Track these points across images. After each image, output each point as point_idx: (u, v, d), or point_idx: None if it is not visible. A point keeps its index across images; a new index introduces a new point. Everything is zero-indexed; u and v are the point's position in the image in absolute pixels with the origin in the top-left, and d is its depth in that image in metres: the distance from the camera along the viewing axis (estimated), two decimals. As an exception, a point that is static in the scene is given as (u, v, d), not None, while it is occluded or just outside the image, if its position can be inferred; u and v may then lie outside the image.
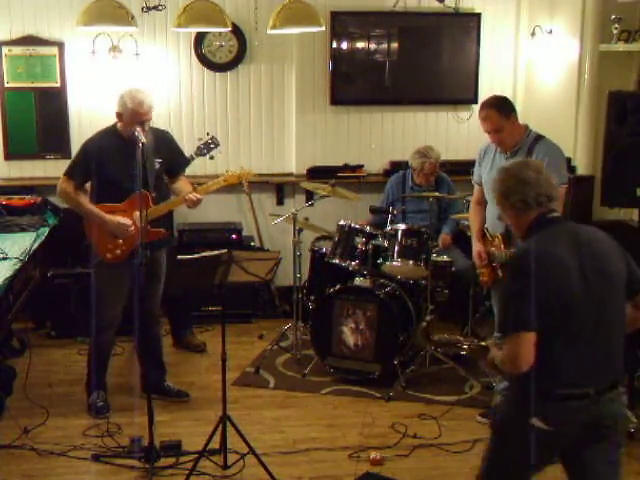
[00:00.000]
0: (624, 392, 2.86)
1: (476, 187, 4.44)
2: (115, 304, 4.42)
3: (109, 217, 4.30)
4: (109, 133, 4.37)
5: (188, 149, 5.05)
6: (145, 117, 4.22)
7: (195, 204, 4.42)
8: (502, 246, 4.08)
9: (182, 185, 4.57)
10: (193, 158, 5.02)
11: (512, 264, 2.72)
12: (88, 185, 4.43)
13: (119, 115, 4.28)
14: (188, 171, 4.82)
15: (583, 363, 2.63)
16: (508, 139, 4.11)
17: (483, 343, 2.91)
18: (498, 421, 2.89)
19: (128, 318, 4.40)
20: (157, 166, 4.38)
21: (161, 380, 4.69)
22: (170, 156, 4.48)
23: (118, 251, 4.36)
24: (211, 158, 5.28)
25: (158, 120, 5.43)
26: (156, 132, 4.48)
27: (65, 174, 4.36)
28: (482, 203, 4.36)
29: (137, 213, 4.28)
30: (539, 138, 4.09)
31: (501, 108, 4.09)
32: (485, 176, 4.28)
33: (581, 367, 2.63)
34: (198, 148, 5.18)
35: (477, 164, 4.38)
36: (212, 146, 5.20)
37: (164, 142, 4.48)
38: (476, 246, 4.31)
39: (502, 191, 2.80)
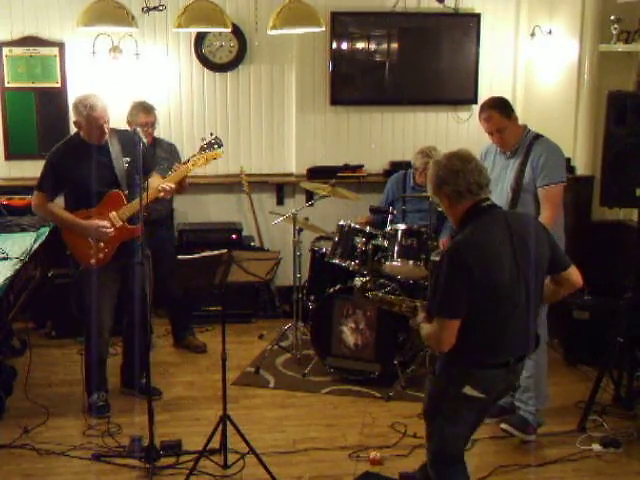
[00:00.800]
0: None
1: None
2: (105, 308, 4.44)
3: (86, 222, 4.30)
4: (72, 140, 4.40)
5: (189, 149, 5.08)
6: (101, 120, 4.25)
7: (169, 193, 4.44)
8: None
9: (154, 181, 4.57)
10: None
11: (448, 254, 2.85)
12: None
13: (77, 124, 4.31)
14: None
15: (509, 336, 2.91)
16: (510, 139, 4.12)
17: (417, 303, 3.12)
18: (432, 402, 3.07)
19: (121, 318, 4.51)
20: (126, 165, 4.40)
21: (141, 377, 4.64)
22: (137, 155, 4.46)
23: (101, 255, 4.36)
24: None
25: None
26: (123, 133, 4.51)
27: (36, 189, 4.38)
28: None
29: (113, 213, 4.32)
30: (537, 137, 4.11)
31: (502, 109, 4.12)
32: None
33: (507, 339, 2.91)
34: (201, 148, 5.18)
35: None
36: (215, 146, 5.21)
37: (130, 143, 4.44)
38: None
39: (435, 183, 2.95)
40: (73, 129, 6.00)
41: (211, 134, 5.26)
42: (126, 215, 4.35)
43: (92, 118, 4.23)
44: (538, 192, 4.04)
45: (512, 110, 4.17)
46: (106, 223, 4.30)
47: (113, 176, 4.33)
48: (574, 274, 3.07)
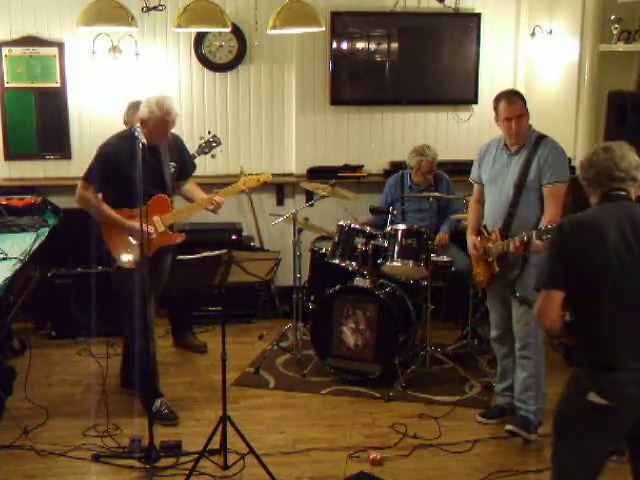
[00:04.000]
0: None
1: (475, 186, 4.44)
2: (145, 304, 4.27)
3: (130, 223, 4.19)
4: (127, 137, 4.24)
5: (189, 148, 5.04)
6: (172, 125, 4.24)
7: (218, 207, 4.46)
8: (499, 240, 4.09)
9: (192, 187, 4.59)
10: (195, 157, 5.03)
11: (554, 229, 2.98)
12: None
13: (144, 122, 4.20)
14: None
15: (631, 335, 2.75)
16: (524, 130, 4.13)
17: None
18: (558, 411, 2.94)
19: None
20: (172, 170, 4.39)
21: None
22: (182, 160, 4.50)
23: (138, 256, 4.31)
24: (212, 157, 5.30)
25: None
26: (169, 137, 4.48)
27: (83, 179, 4.29)
28: (480, 202, 4.37)
29: (157, 217, 4.29)
30: (542, 137, 4.13)
31: (523, 99, 4.17)
32: (486, 174, 4.28)
33: (629, 339, 2.74)
34: (200, 146, 5.19)
35: (476, 164, 4.38)
36: (214, 144, 5.22)
37: (176, 147, 4.50)
38: (470, 239, 4.32)
39: (580, 170, 3.10)
40: (73, 129, 6.10)
41: (209, 132, 5.28)
42: (170, 221, 4.34)
43: (164, 121, 4.19)
44: (543, 190, 4.04)
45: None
46: (150, 228, 4.20)
47: (161, 179, 4.29)
48: None
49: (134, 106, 5.17)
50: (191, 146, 5.12)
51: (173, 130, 4.39)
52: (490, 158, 4.26)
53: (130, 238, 4.28)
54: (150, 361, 4.36)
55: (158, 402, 4.44)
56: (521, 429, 4.21)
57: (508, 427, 4.25)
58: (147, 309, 4.28)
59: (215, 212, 4.54)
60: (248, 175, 4.65)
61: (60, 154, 6.11)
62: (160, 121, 4.19)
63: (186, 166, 4.57)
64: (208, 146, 5.19)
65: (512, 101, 4.12)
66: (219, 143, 5.24)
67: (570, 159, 5.56)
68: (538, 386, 4.22)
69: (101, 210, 4.31)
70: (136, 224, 4.12)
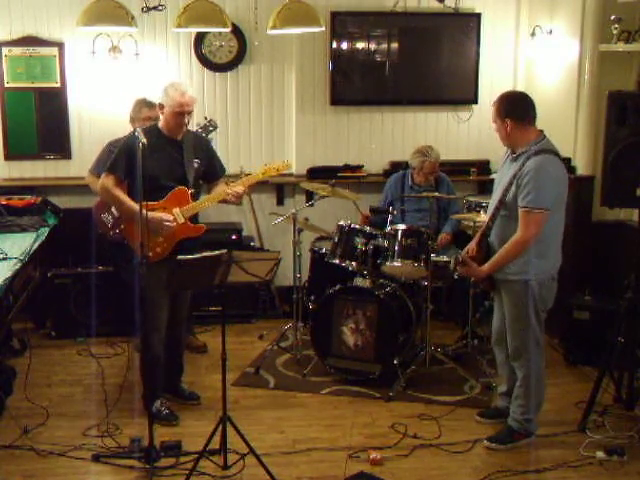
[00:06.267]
0: None
1: None
2: (161, 303, 4.32)
3: (151, 214, 4.08)
4: (150, 129, 4.30)
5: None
6: (187, 108, 4.23)
7: (238, 198, 4.41)
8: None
9: (219, 187, 4.57)
10: None
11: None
12: None
13: (161, 106, 4.27)
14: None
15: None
16: (500, 137, 4.03)
17: None
18: None
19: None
20: (195, 165, 4.38)
21: (177, 380, 4.71)
22: (208, 160, 4.50)
23: (159, 249, 4.27)
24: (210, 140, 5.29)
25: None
26: (196, 135, 4.55)
27: (106, 171, 4.33)
28: None
29: (177, 209, 4.29)
30: (538, 153, 3.88)
31: (501, 105, 3.99)
32: (495, 178, 4.25)
33: None
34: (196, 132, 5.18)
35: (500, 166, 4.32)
36: (210, 128, 5.21)
37: (202, 145, 4.51)
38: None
39: None
40: (73, 129, 6.10)
41: (205, 118, 5.27)
42: (189, 213, 4.32)
43: (179, 103, 4.19)
44: (519, 211, 3.86)
45: (514, 113, 3.94)
46: (169, 217, 4.24)
47: (182, 173, 4.29)
48: None
49: (140, 103, 5.16)
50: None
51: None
52: (502, 162, 4.19)
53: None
54: (157, 362, 4.40)
55: (158, 402, 4.44)
56: (500, 443, 4.14)
57: (485, 444, 4.17)
58: (159, 309, 4.31)
59: (236, 203, 4.53)
60: (267, 165, 4.58)
61: (60, 154, 6.11)
62: (176, 104, 4.20)
63: (214, 167, 4.55)
64: (205, 130, 5.18)
65: (493, 105, 4.05)
66: (215, 127, 5.23)
67: (570, 159, 5.58)
68: (527, 397, 4.13)
69: (121, 200, 4.30)
70: (157, 214, 4.19)
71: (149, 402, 4.28)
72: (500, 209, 3.96)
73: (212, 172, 4.54)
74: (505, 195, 3.92)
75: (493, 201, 4.09)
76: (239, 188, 4.39)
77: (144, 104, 5.15)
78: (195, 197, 4.39)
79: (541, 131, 4.04)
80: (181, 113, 4.22)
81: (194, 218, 4.44)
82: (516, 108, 3.99)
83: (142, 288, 3.97)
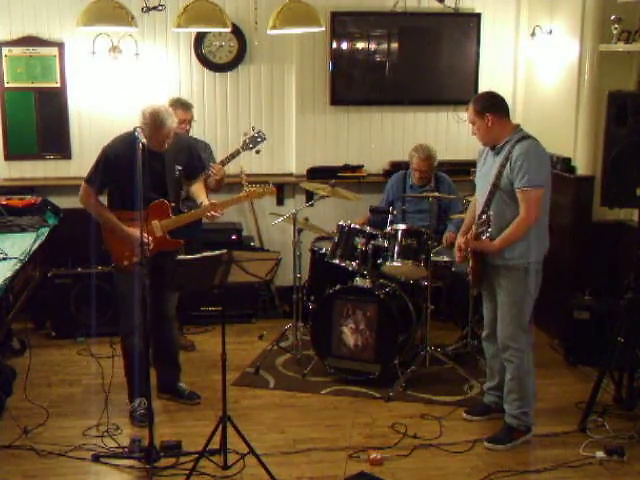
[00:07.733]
0: None
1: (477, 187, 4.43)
2: (135, 307, 4.33)
3: (128, 230, 4.23)
4: (128, 140, 4.19)
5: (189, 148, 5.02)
6: (165, 138, 4.21)
7: (214, 219, 4.49)
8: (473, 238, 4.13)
9: (197, 189, 4.58)
10: (239, 152, 5.10)
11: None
12: None
13: (141, 129, 4.15)
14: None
15: None
16: (481, 135, 4.12)
17: None
18: None
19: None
20: (177, 174, 4.39)
21: (175, 380, 4.71)
22: (189, 162, 4.50)
23: (135, 258, 4.25)
24: (257, 152, 5.30)
25: (195, 118, 5.43)
26: (180, 138, 4.48)
27: (85, 180, 4.34)
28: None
29: (156, 222, 4.30)
30: (522, 139, 4.02)
31: (478, 104, 4.11)
32: (478, 174, 4.29)
33: None
34: (244, 142, 5.18)
35: (477, 165, 4.38)
36: (259, 140, 5.21)
37: (183, 148, 4.48)
38: (457, 240, 4.30)
39: None
40: (73, 129, 6.10)
41: (253, 128, 5.24)
42: (169, 227, 4.34)
43: (158, 134, 4.18)
44: (516, 193, 3.99)
45: (493, 109, 4.06)
46: (146, 237, 4.13)
47: (163, 185, 4.30)
48: None
49: (174, 103, 5.10)
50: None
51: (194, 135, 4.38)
52: (482, 158, 4.27)
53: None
54: (146, 361, 4.33)
55: (137, 401, 4.43)
56: (500, 443, 4.15)
57: (486, 445, 4.17)
58: (145, 311, 4.30)
59: (211, 221, 4.57)
60: (252, 187, 4.58)
61: (60, 154, 6.11)
62: (154, 132, 4.18)
63: (194, 167, 4.55)
64: (253, 141, 5.18)
65: (469, 107, 4.15)
66: (264, 138, 5.23)
67: (570, 159, 5.58)
68: (521, 389, 4.15)
69: (100, 213, 4.36)
70: (134, 231, 4.12)
71: (130, 400, 4.34)
72: (495, 193, 4.04)
73: (190, 172, 4.54)
74: (499, 178, 4.02)
75: (482, 192, 4.14)
76: (220, 211, 4.42)
77: (179, 105, 5.11)
78: (175, 210, 4.40)
79: (518, 124, 4.18)
80: (160, 142, 4.22)
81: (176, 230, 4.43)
82: (495, 103, 4.13)
83: (142, 288, 3.99)
